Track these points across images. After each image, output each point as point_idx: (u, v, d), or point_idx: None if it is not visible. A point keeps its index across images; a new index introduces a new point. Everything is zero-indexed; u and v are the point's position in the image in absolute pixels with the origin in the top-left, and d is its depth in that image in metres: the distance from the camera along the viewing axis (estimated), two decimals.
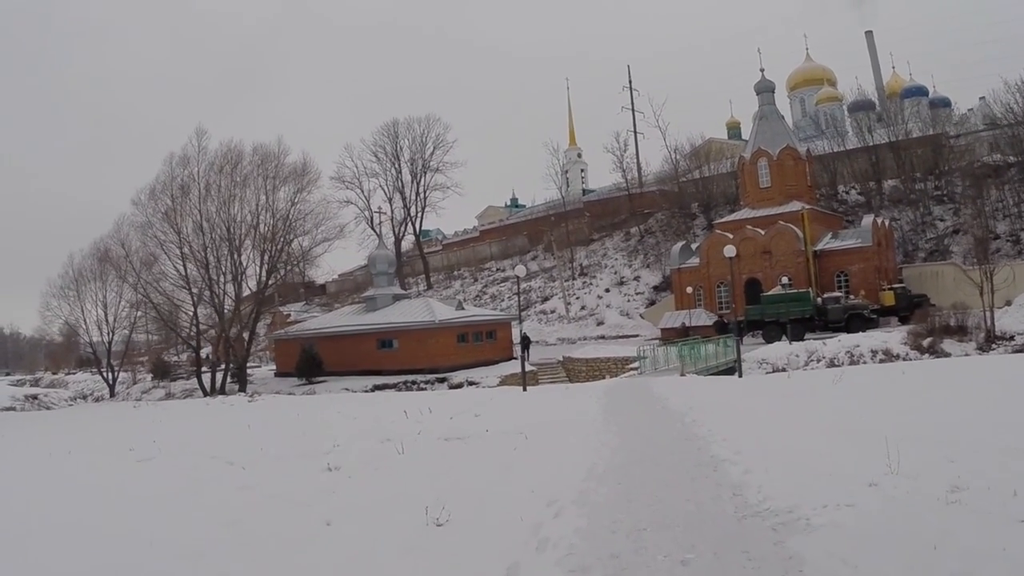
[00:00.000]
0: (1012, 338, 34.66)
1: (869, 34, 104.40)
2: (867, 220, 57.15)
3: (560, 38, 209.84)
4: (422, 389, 42.83)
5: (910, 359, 34.45)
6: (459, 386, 42.70)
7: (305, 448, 15.01)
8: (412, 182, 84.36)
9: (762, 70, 66.30)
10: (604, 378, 41.75)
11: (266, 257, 51.77)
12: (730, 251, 31.22)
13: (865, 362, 35.12)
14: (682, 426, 14.90)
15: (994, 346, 34.49)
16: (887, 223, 59.61)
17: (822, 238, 58.62)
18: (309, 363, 49.43)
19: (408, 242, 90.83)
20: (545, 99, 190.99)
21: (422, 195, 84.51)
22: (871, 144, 71.66)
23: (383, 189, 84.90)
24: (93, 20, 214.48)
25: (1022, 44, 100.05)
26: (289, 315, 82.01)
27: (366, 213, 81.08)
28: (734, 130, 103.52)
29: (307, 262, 56.51)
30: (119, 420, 30.51)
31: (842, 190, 73.54)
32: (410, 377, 45.54)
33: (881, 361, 34.89)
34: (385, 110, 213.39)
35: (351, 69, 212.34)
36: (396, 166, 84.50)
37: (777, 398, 18.27)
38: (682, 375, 32.07)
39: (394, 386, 44.19)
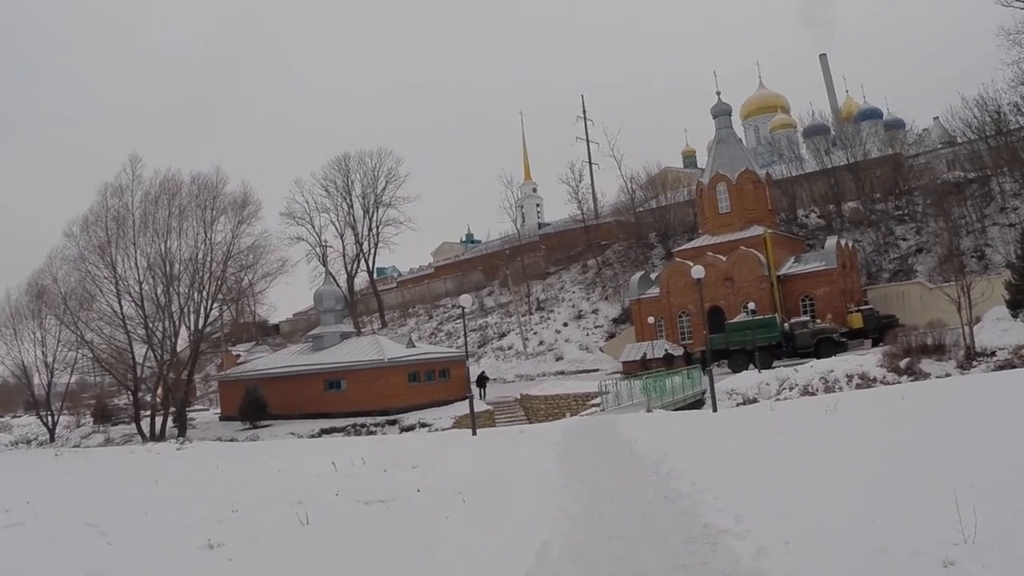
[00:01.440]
0: (993, 354, 32.74)
1: (823, 57, 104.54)
2: (831, 242, 55.50)
3: (514, 70, 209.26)
4: (372, 432, 40.92)
5: (888, 382, 32.56)
6: (411, 428, 41.11)
7: (198, 514, 12.34)
8: (364, 217, 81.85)
9: (718, 93, 64.84)
10: (564, 416, 39.64)
11: (205, 293, 48.66)
12: (698, 272, 28.70)
13: (841, 388, 33.09)
14: (658, 478, 12.29)
15: (975, 363, 32.51)
16: (850, 245, 58.09)
17: (785, 263, 56.84)
18: (253, 406, 46.67)
19: (362, 279, 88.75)
20: (500, 132, 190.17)
21: (375, 230, 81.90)
22: (829, 167, 70.62)
23: (334, 225, 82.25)
24: (28, 54, 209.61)
25: (975, 62, 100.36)
26: (239, 356, 78.78)
27: (317, 250, 78.39)
28: (690, 158, 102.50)
29: (246, 298, 53.45)
30: (20, 472, 27.79)
31: (802, 214, 72.33)
32: (359, 420, 43.23)
33: (858, 386, 32.89)
34: (337, 145, 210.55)
35: (302, 104, 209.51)
36: (347, 201, 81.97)
37: (766, 436, 15.73)
38: (649, 411, 29.73)
39: (342, 429, 42.07)
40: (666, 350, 52.55)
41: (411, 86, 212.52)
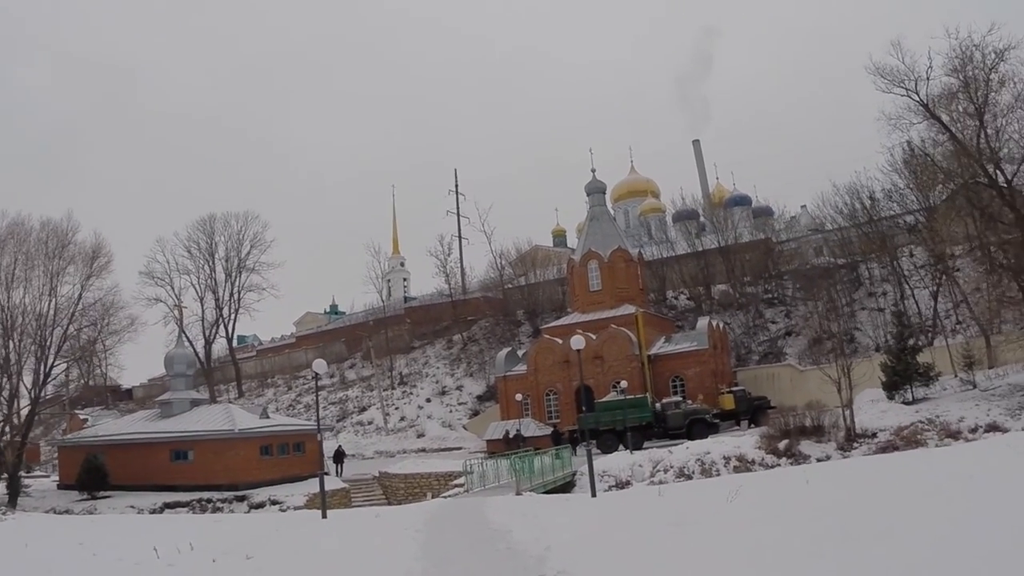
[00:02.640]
0: (874, 435, 31.20)
1: (696, 143, 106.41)
2: (702, 323, 54.44)
3: (388, 144, 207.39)
4: (218, 509, 38.00)
5: (767, 464, 31.04)
6: (260, 506, 38.14)
7: None
8: (226, 281, 78.26)
9: (593, 170, 63.98)
10: (426, 497, 36.92)
11: (49, 350, 43.33)
12: (578, 343, 25.88)
13: (718, 471, 31.11)
14: None
15: (855, 445, 30.94)
16: (722, 326, 57.17)
17: (655, 342, 55.42)
18: (93, 475, 41.75)
19: (222, 347, 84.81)
20: (371, 204, 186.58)
21: (236, 296, 78.29)
22: (700, 249, 70.54)
23: (195, 288, 78.31)
24: None
25: (843, 152, 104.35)
26: (86, 420, 72.63)
27: (175, 312, 73.26)
28: (560, 237, 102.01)
29: (94, 357, 48.15)
30: None
31: (671, 295, 71.93)
32: (207, 494, 39.45)
33: (736, 468, 30.95)
34: (201, 206, 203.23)
35: (169, 163, 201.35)
36: (210, 264, 78.38)
37: (665, 529, 13.05)
38: (518, 494, 26.80)
39: (187, 504, 38.38)
40: (517, 430, 49.66)
41: (278, 152, 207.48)
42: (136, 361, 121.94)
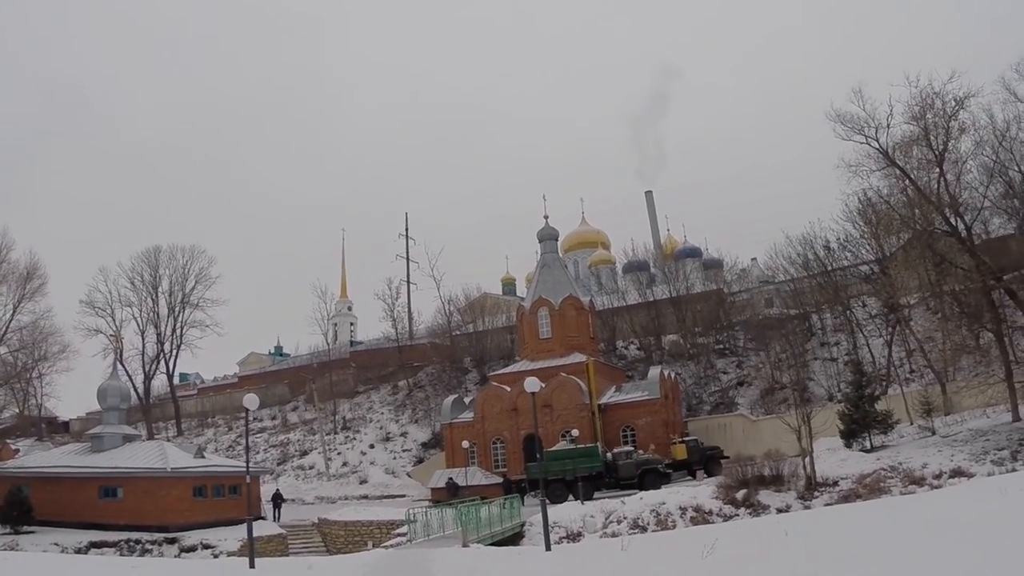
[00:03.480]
0: (836, 483, 30.08)
1: (649, 194, 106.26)
2: (654, 372, 53.26)
3: (337, 185, 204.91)
4: (147, 550, 36.60)
5: (725, 515, 29.72)
6: (191, 549, 36.82)
7: None
8: (169, 316, 75.62)
9: (546, 217, 63.07)
10: (367, 546, 35.46)
11: None
12: (532, 385, 23.80)
13: (674, 522, 29.77)
14: None
15: (816, 494, 29.71)
16: (673, 376, 56.04)
17: (606, 391, 54.05)
18: (16, 509, 39.10)
19: (162, 383, 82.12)
20: (320, 246, 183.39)
21: (179, 331, 75.67)
22: (651, 299, 69.73)
23: (136, 321, 75.32)
24: None
25: (795, 203, 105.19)
26: (18, 451, 68.47)
27: (113, 343, 70.39)
28: (509, 286, 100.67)
29: (22, 383, 45.59)
30: None
31: (621, 345, 70.82)
32: (136, 534, 37.60)
33: (692, 519, 29.65)
34: (148, 238, 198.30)
35: (115, 190, 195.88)
36: (153, 297, 75.64)
37: None
38: (465, 545, 24.96)
39: (114, 545, 36.83)
40: (450, 479, 47.86)
41: (229, 191, 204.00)
42: (74, 393, 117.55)
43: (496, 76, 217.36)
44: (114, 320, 73.44)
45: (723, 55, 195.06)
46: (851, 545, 12.69)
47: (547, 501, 40.05)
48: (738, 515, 29.06)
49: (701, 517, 29.19)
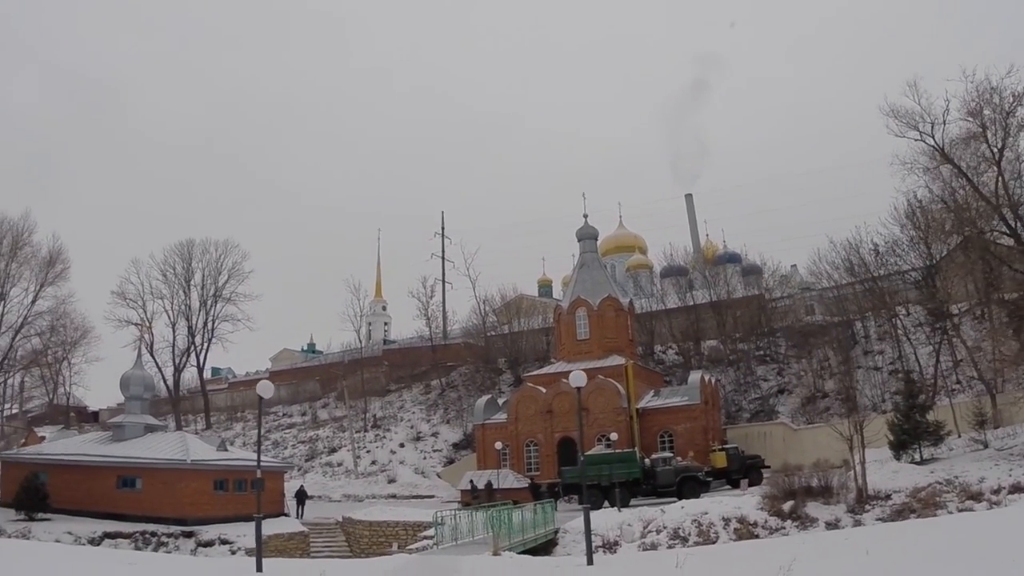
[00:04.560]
0: (888, 497, 28.56)
1: (689, 197, 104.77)
2: (694, 376, 51.92)
3: (373, 183, 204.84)
4: (163, 544, 35.70)
5: (771, 527, 28.31)
6: (209, 544, 35.80)
7: None
8: (200, 309, 74.11)
9: (585, 216, 61.89)
10: (391, 547, 34.25)
11: None
12: (578, 379, 21.37)
13: (717, 533, 28.49)
14: None
15: (867, 507, 28.21)
16: (713, 381, 54.56)
17: (644, 396, 52.80)
18: (32, 495, 38.26)
19: (193, 376, 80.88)
20: (355, 244, 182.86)
21: (210, 325, 74.17)
22: (691, 304, 68.17)
23: (168, 313, 73.83)
24: None
25: (839, 209, 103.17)
26: (44, 438, 68.53)
27: (146, 337, 69.78)
28: (546, 287, 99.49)
29: (41, 368, 45.11)
30: None
31: (659, 349, 69.36)
32: (152, 527, 36.64)
33: (736, 531, 28.36)
34: (181, 234, 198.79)
35: (147, 187, 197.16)
36: (185, 289, 74.18)
37: None
38: (495, 554, 23.48)
39: (129, 536, 35.93)
40: (488, 481, 46.67)
41: (263, 189, 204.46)
42: (104, 384, 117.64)
43: (533, 79, 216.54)
44: (145, 312, 72.53)
45: (763, 54, 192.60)
46: (945, 569, 11.23)
47: (581, 507, 39.59)
48: (784, 528, 27.74)
49: (746, 529, 27.88)
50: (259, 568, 19.12)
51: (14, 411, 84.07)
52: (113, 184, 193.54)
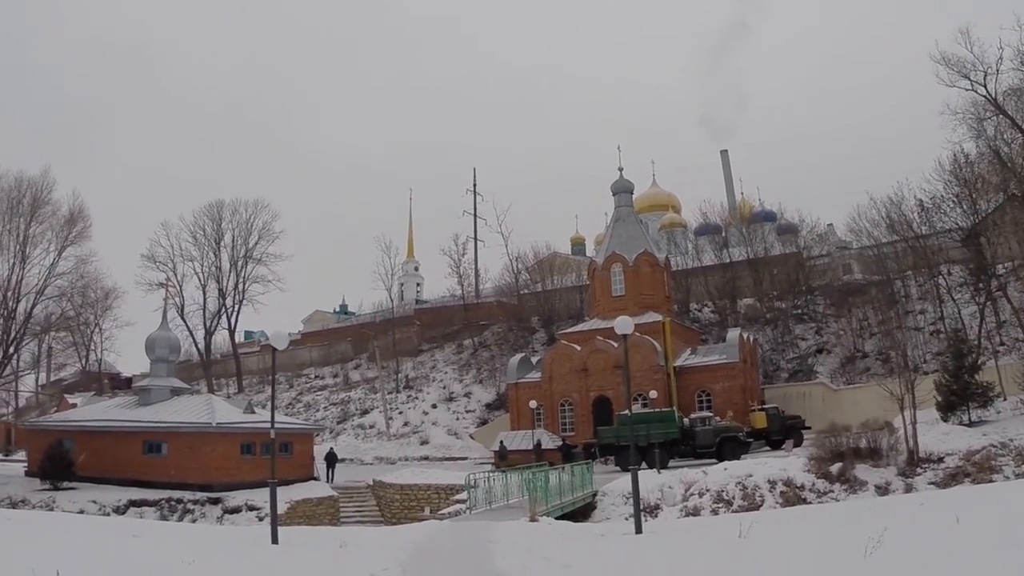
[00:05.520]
0: (941, 460, 27.59)
1: (724, 154, 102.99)
2: (732, 334, 51.01)
3: (406, 140, 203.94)
4: (189, 511, 34.69)
5: (819, 490, 27.46)
6: (236, 510, 34.65)
7: None
8: (231, 271, 73.69)
9: (620, 169, 60.71)
10: (423, 511, 33.47)
11: (13, 321, 39.49)
12: (624, 325, 19.42)
13: (762, 496, 27.70)
14: None
15: (919, 470, 27.28)
16: (752, 339, 53.56)
17: (681, 354, 51.94)
18: (56, 463, 37.35)
19: (224, 340, 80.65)
20: (385, 204, 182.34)
21: (241, 286, 73.80)
22: (727, 261, 66.97)
23: (198, 275, 73.55)
24: None
25: (876, 165, 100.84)
26: (75, 405, 68.96)
27: (177, 299, 69.78)
28: (579, 246, 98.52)
29: (68, 330, 44.62)
30: None
31: (694, 307, 68.26)
32: (178, 493, 35.51)
33: (783, 494, 27.44)
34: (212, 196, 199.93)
35: (179, 150, 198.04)
36: (215, 251, 73.78)
37: None
38: (533, 519, 22.43)
39: (155, 504, 34.85)
40: (501, 442, 46.23)
41: (292, 151, 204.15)
42: (137, 349, 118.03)
43: (567, 34, 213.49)
44: (175, 275, 72.16)
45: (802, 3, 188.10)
46: None
47: (616, 468, 39.01)
48: (832, 491, 26.95)
49: (792, 492, 27.12)
50: (274, 539, 17.97)
51: (51, 379, 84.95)
52: (142, 149, 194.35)
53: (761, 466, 29.66)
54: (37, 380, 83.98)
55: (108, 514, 33.15)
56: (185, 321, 71.26)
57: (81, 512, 32.20)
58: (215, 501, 35.26)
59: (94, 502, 34.54)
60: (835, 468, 27.82)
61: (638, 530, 18.62)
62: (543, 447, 45.29)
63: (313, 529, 26.75)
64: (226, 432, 38.15)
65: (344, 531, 24.33)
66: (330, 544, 17.52)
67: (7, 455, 60.04)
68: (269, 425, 40.24)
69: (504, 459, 43.50)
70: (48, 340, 54.47)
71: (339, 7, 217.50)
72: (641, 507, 28.15)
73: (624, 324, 19.56)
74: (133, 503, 34.74)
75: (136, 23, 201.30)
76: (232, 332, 77.72)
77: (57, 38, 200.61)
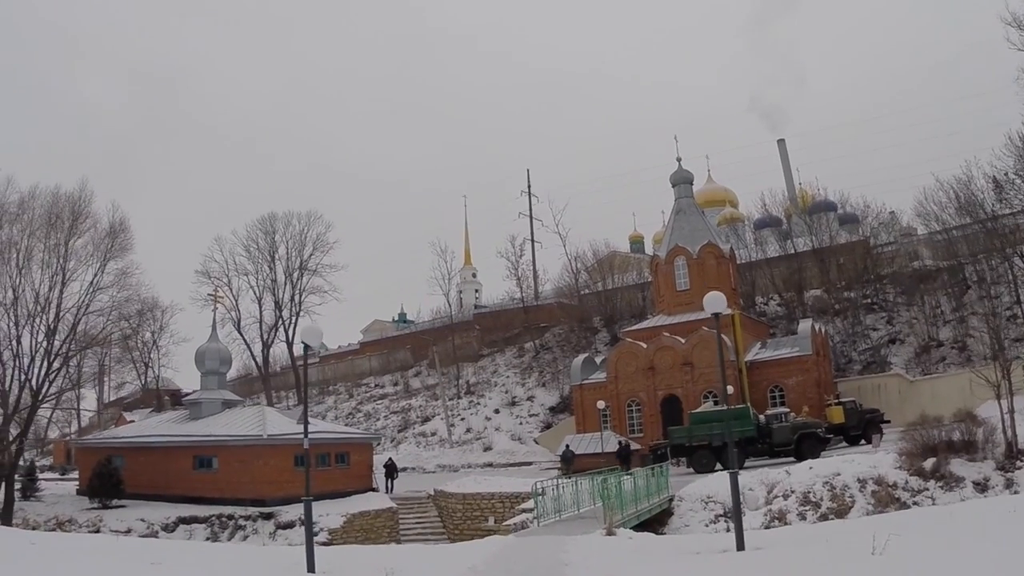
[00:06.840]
0: None
1: (782, 143, 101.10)
2: (804, 326, 49.36)
3: (460, 144, 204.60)
4: (240, 527, 34.05)
5: (912, 488, 25.66)
6: (289, 526, 33.83)
7: None
8: (286, 282, 73.42)
9: (678, 159, 59.26)
10: (487, 522, 32.40)
11: (55, 337, 39.12)
12: (715, 302, 17.12)
13: (852, 496, 26.17)
14: None
15: (1018, 464, 25.64)
16: (824, 331, 51.85)
17: (750, 348, 50.49)
18: (105, 481, 37.28)
19: (282, 352, 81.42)
20: (441, 213, 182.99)
21: (297, 298, 73.43)
22: (792, 252, 65.27)
23: (253, 289, 73.52)
24: None
25: (937, 146, 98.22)
26: (132, 422, 69.70)
27: (232, 314, 70.73)
28: (637, 243, 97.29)
29: (92, 347, 44.29)
30: None
31: (760, 301, 66.53)
32: (229, 509, 34.94)
33: (874, 494, 25.83)
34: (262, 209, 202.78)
35: (231, 167, 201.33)
36: (270, 264, 73.67)
37: None
38: (609, 533, 20.36)
39: (205, 520, 34.17)
40: (567, 446, 44.81)
41: (344, 169, 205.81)
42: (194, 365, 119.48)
43: (619, 33, 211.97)
44: (230, 289, 72.28)
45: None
46: None
47: (690, 470, 37.70)
48: (927, 489, 25.42)
49: (885, 492, 25.61)
50: (310, 567, 15.22)
51: (112, 398, 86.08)
52: (197, 169, 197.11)
53: (849, 464, 28.11)
54: (100, 398, 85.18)
55: (156, 533, 32.60)
56: (242, 334, 71.43)
57: (128, 531, 31.90)
58: (267, 516, 34.56)
59: (142, 520, 34.09)
60: (928, 464, 26.35)
61: (739, 546, 15.88)
62: (630, 449, 43.90)
63: (359, 550, 24.91)
64: (278, 444, 37.32)
65: (394, 552, 21.93)
66: (375, 571, 15.13)
67: (64, 474, 60.60)
68: (323, 435, 40.02)
69: (569, 463, 42.30)
70: (102, 358, 54.19)
71: (388, 22, 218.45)
72: (723, 512, 27.23)
73: (714, 301, 17.26)
74: (183, 520, 34.21)
75: (188, 52, 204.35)
76: (290, 344, 77.40)
77: (104, 66, 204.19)
